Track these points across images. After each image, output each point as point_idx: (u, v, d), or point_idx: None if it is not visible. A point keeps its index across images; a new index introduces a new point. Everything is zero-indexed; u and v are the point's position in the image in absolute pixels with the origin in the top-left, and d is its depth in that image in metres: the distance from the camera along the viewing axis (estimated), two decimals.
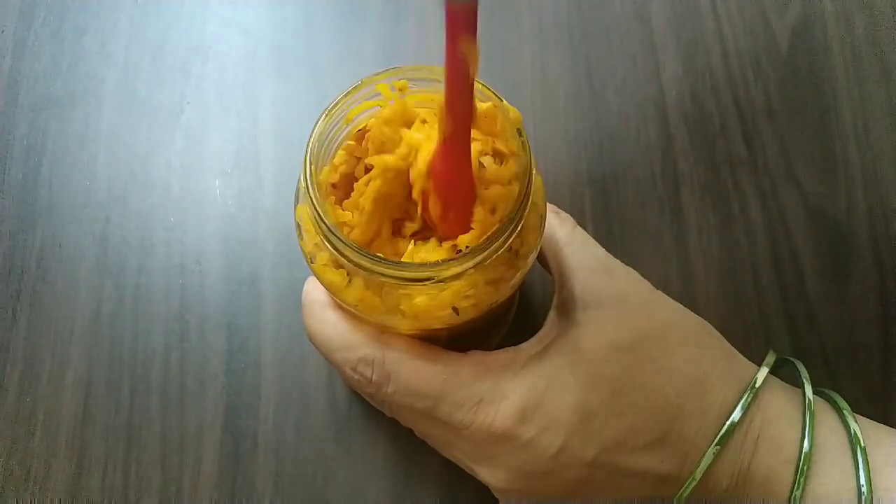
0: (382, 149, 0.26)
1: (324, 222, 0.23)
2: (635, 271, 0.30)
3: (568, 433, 0.26)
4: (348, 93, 0.26)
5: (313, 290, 0.29)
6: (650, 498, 0.27)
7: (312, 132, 0.25)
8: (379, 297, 0.25)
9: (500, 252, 0.24)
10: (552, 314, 0.29)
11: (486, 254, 0.24)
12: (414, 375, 0.26)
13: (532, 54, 0.43)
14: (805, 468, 0.26)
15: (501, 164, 0.26)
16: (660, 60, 0.43)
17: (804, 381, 0.28)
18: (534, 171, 0.25)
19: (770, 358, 0.29)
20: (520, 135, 0.25)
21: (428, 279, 0.23)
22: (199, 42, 0.44)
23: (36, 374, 0.37)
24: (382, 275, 0.23)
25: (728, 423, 0.26)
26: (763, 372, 0.28)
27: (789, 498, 0.26)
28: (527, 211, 0.24)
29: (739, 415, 0.26)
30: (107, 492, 0.35)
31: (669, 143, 0.41)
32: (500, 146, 0.26)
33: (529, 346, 0.28)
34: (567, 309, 0.28)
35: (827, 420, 0.27)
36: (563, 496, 0.27)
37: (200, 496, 0.35)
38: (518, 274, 0.26)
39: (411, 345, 0.27)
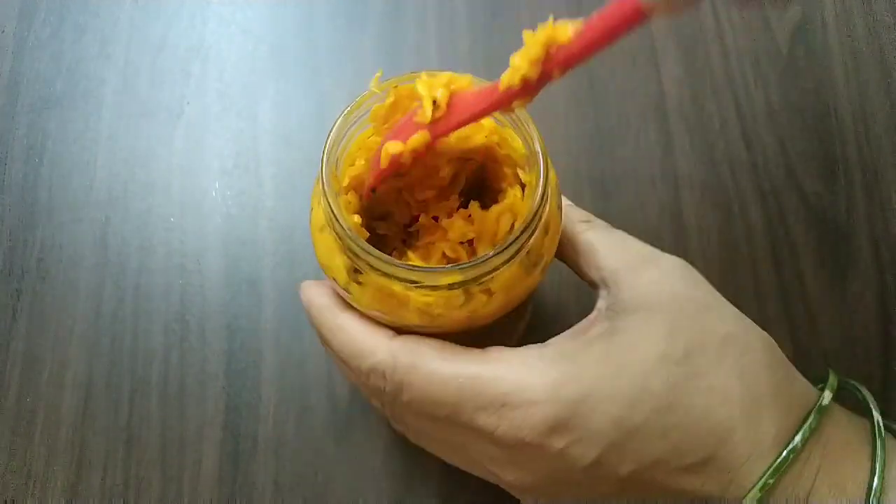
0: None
1: (342, 226, 0.23)
2: (689, 265, 0.27)
3: (604, 447, 0.24)
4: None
5: (317, 295, 0.28)
6: None
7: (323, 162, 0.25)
8: (393, 299, 0.25)
9: (520, 252, 0.24)
10: (591, 317, 0.27)
11: (509, 254, 0.24)
12: (427, 382, 0.24)
13: None
14: None
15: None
16: (660, 60, 0.43)
17: (873, 409, 0.26)
18: (550, 167, 0.25)
19: (833, 379, 0.26)
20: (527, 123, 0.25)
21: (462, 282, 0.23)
22: (199, 42, 0.44)
23: (36, 374, 0.37)
24: (409, 280, 0.23)
25: (787, 451, 0.24)
26: (828, 396, 0.25)
27: None
28: (544, 215, 0.24)
29: (799, 445, 0.24)
30: (107, 492, 0.35)
31: (669, 143, 0.41)
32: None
33: (559, 344, 0.26)
34: (612, 313, 0.26)
35: (895, 455, 0.25)
36: (593, 500, 0.26)
37: (200, 496, 0.35)
38: (537, 271, 0.26)
39: (425, 346, 0.25)
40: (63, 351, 0.38)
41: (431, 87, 0.24)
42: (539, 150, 0.24)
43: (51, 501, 0.35)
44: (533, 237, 0.24)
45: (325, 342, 0.28)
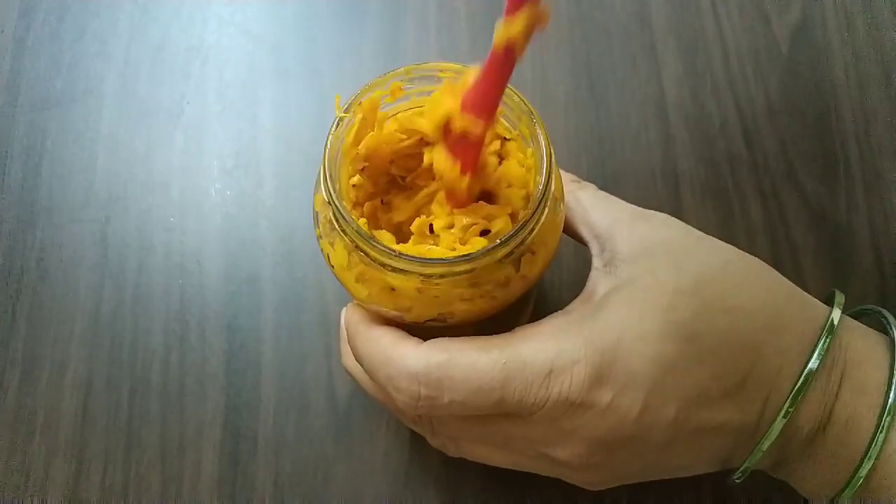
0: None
1: (348, 224, 0.24)
2: (674, 217, 0.29)
3: (649, 388, 0.24)
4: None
5: (352, 313, 0.28)
6: (728, 458, 0.27)
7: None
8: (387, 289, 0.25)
9: (528, 237, 0.24)
10: (594, 275, 0.28)
11: (518, 239, 0.24)
12: (471, 371, 0.24)
13: (532, 54, 0.43)
14: (892, 412, 0.24)
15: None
16: (660, 60, 0.43)
17: (891, 327, 0.27)
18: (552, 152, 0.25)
19: (840, 298, 0.27)
20: (532, 115, 0.26)
21: (469, 271, 0.24)
22: (199, 42, 0.44)
23: (36, 374, 0.37)
24: (422, 274, 0.24)
25: (807, 369, 0.25)
26: (837, 312, 0.26)
27: (870, 443, 0.24)
28: (551, 194, 0.25)
29: (818, 362, 0.25)
30: (107, 492, 0.35)
31: (669, 143, 0.41)
32: (503, 132, 0.27)
33: (578, 306, 0.27)
34: (614, 266, 0.27)
35: None
36: (645, 468, 0.26)
37: (200, 496, 0.35)
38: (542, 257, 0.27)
39: (453, 341, 0.25)
40: (63, 351, 0.38)
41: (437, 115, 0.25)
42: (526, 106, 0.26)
43: (51, 501, 0.35)
44: (553, 175, 0.25)
45: (358, 356, 0.28)
